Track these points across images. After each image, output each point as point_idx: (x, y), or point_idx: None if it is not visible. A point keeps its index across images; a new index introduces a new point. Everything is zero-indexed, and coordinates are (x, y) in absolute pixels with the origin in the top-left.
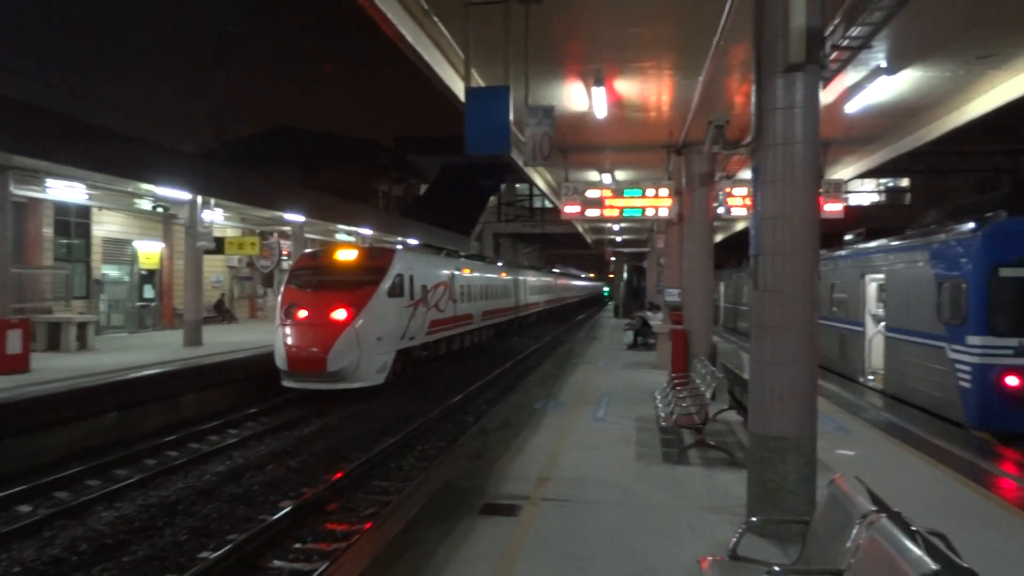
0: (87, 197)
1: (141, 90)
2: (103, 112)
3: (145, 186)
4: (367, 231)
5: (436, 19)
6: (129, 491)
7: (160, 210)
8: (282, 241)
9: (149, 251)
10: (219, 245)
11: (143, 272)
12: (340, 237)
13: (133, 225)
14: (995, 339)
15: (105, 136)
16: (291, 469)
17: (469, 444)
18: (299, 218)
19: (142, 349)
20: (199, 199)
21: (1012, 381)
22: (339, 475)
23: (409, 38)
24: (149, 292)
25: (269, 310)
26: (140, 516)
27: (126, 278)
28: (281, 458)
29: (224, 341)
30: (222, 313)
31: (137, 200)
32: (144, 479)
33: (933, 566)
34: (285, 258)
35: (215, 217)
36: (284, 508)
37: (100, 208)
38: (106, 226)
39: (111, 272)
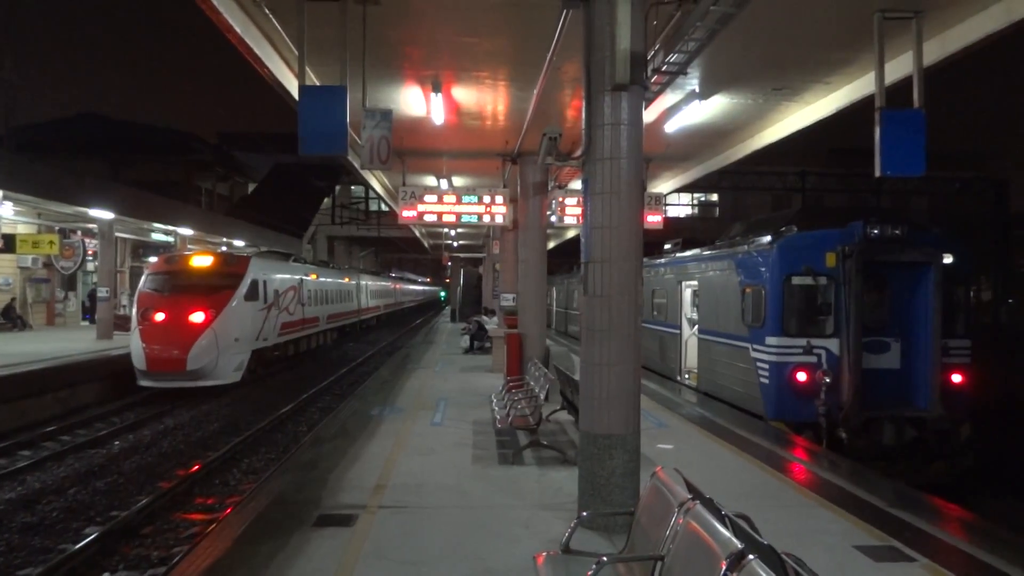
0: None
1: None
2: None
3: None
4: (187, 231)
5: (268, 12)
6: None
7: None
8: (87, 240)
9: None
10: (8, 243)
11: None
12: (157, 237)
13: None
14: (788, 339)
15: None
16: (98, 491)
17: (302, 454)
18: (108, 215)
19: None
20: None
21: (801, 377)
22: (153, 495)
23: (238, 29)
24: None
25: (71, 316)
26: None
27: None
28: (86, 480)
29: (13, 351)
30: (12, 320)
31: None
32: None
33: (739, 545)
34: (91, 259)
35: (4, 212)
36: (89, 535)
37: None
38: None
39: None
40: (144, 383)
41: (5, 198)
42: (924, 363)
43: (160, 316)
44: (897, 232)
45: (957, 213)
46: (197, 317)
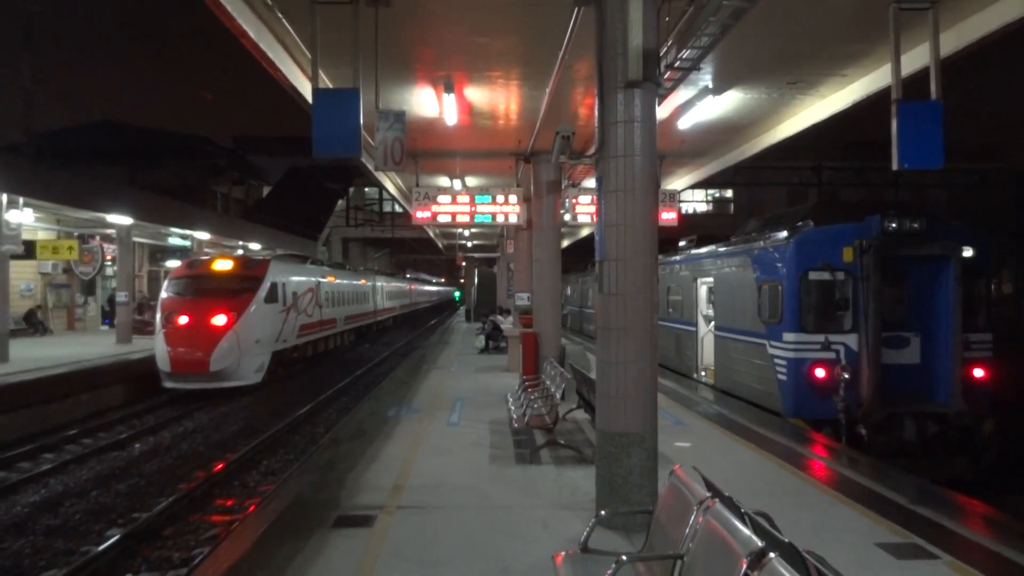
0: None
1: None
2: None
3: None
4: (204, 235)
5: (280, 16)
6: None
7: None
8: (105, 245)
9: None
10: (29, 249)
11: None
12: (173, 241)
13: None
14: (806, 335)
15: None
16: (120, 494)
17: (320, 456)
18: (126, 220)
19: None
20: (3, 198)
21: (820, 373)
22: (174, 496)
23: (252, 34)
24: None
25: (90, 321)
26: None
27: None
28: (108, 482)
29: (36, 356)
30: (34, 325)
31: None
32: None
33: (759, 543)
34: (109, 264)
35: (24, 218)
36: (111, 537)
37: None
38: None
39: None
40: (168, 384)
41: (25, 205)
42: (945, 358)
43: (183, 319)
44: (915, 225)
45: (977, 205)
46: (219, 320)
